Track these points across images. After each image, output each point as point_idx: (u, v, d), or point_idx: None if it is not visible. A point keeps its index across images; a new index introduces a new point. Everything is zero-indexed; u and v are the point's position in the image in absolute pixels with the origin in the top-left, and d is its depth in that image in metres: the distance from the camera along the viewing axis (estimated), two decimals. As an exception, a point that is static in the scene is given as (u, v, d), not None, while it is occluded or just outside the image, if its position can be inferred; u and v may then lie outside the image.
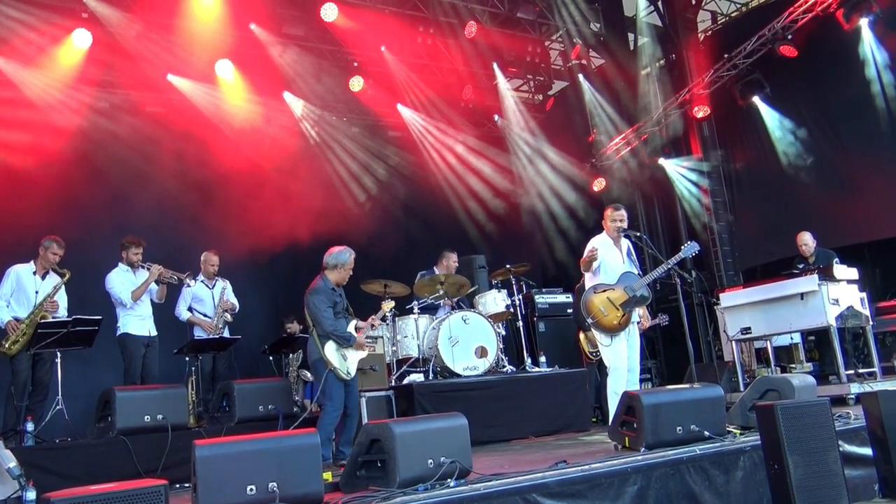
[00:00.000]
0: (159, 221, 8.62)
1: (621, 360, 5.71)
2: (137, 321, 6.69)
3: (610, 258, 5.83)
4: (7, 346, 5.95)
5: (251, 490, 3.36)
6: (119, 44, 8.72)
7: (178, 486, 4.71)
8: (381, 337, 6.97)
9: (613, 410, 5.36)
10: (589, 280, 5.94)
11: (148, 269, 6.70)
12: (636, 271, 5.83)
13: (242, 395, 6.13)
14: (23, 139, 7.98)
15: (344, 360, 5.53)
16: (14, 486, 3.85)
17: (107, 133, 8.67)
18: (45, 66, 8.39)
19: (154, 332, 6.82)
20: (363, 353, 5.71)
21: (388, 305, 6.07)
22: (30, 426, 5.36)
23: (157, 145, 8.71)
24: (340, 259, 5.63)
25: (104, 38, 8.65)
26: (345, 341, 5.54)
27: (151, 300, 6.88)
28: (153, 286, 6.78)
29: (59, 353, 5.95)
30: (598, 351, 7.88)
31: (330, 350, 5.51)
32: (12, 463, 3.86)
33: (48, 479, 4.64)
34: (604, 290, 5.72)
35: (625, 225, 5.85)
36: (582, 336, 8.13)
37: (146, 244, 6.86)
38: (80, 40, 8.47)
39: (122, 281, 6.68)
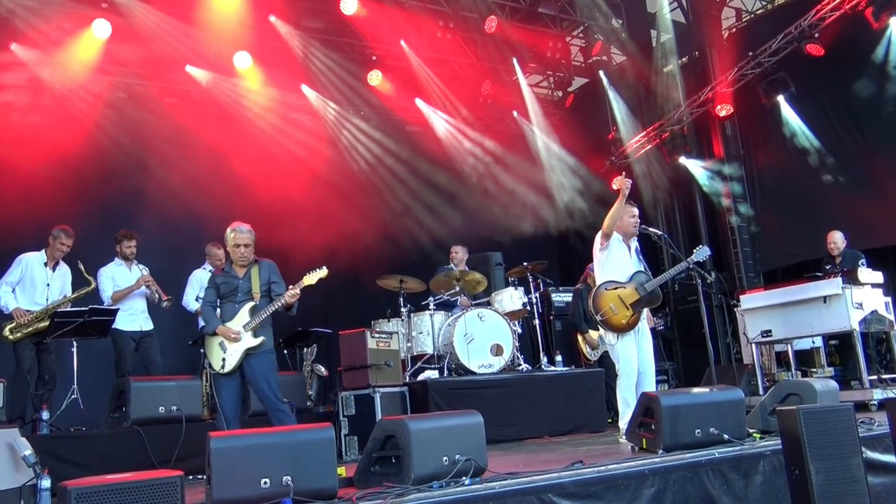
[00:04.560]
0: (175, 213, 8.62)
1: (630, 363, 5.47)
2: (127, 317, 6.62)
3: (621, 256, 5.69)
4: (7, 330, 5.92)
5: (265, 483, 3.33)
6: (138, 34, 8.76)
7: (191, 477, 4.71)
8: (397, 333, 6.93)
9: (624, 417, 5.28)
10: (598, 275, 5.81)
11: (141, 269, 6.69)
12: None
13: (256, 388, 6.11)
14: (40, 128, 8.02)
15: (221, 351, 4.85)
16: (29, 473, 3.85)
17: (124, 123, 8.70)
18: (64, 55, 8.43)
19: (147, 327, 6.77)
20: (245, 343, 4.81)
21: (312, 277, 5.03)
22: (45, 415, 5.38)
23: (174, 136, 8.71)
24: None
25: (124, 28, 8.68)
26: (207, 325, 4.97)
27: (146, 298, 6.82)
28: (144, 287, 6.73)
29: (75, 343, 5.97)
30: (597, 352, 7.86)
31: (210, 338, 4.92)
32: (28, 451, 3.86)
33: (63, 468, 4.66)
34: (615, 288, 5.54)
35: (635, 222, 5.67)
36: (580, 338, 8.04)
37: (139, 238, 6.82)
38: (99, 30, 8.52)
39: (111, 276, 6.66)
